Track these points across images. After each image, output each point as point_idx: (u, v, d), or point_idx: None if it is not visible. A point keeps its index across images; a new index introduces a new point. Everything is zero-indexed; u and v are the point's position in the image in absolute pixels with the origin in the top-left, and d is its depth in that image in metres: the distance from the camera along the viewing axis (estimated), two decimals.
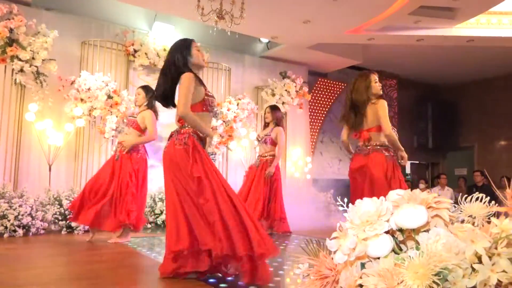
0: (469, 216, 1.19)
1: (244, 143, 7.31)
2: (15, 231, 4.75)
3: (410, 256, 1.00)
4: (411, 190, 1.23)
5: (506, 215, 1.12)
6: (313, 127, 8.86)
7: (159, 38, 6.60)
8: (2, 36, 5.08)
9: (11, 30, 5.15)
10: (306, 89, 7.94)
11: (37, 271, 3.12)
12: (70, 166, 5.90)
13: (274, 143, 5.73)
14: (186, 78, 2.93)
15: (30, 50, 5.26)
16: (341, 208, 1.31)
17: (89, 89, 5.64)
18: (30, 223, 4.85)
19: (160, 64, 6.51)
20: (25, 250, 4.11)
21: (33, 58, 5.29)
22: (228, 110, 6.86)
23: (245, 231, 2.67)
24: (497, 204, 1.18)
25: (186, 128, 3.03)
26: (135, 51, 6.36)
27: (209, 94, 3.12)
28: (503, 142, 10.07)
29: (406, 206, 1.09)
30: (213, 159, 5.70)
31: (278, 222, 5.69)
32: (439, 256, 0.95)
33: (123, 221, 4.44)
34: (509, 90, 10.00)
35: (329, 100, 9.20)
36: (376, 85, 3.87)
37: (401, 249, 1.11)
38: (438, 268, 0.94)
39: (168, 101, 3.18)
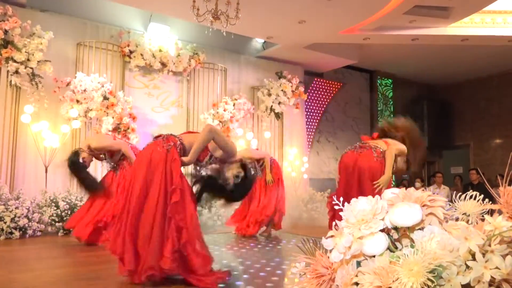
0: (463, 214, 1.20)
1: (240, 143, 7.32)
2: (11, 233, 4.74)
3: (405, 254, 1.01)
4: (407, 188, 1.24)
5: (500, 212, 1.13)
6: (309, 126, 8.88)
7: (155, 39, 6.60)
8: None
9: (5, 32, 5.14)
10: (302, 89, 7.96)
11: (35, 273, 3.12)
12: (67, 168, 5.87)
13: None
14: None
15: (25, 52, 5.25)
16: (337, 207, 1.32)
17: (84, 90, 5.63)
18: (26, 225, 4.84)
19: (156, 65, 6.52)
20: (22, 252, 4.10)
21: (28, 60, 5.28)
22: (225, 110, 6.87)
23: None
24: (490, 202, 1.19)
25: None
26: (131, 52, 6.35)
27: None
28: (498, 140, 10.13)
29: (401, 205, 1.10)
30: None
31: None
32: (433, 254, 0.96)
33: None
34: (503, 88, 10.06)
35: (325, 99, 9.22)
36: None
37: (396, 247, 1.12)
38: (433, 265, 0.95)
39: None
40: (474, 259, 0.95)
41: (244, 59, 7.89)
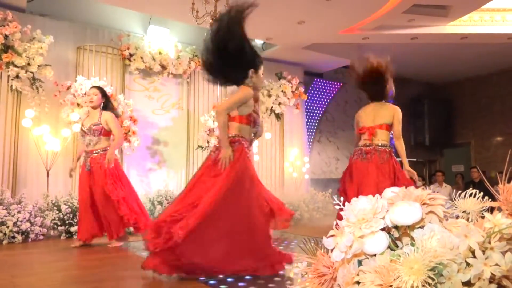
0: (463, 212, 1.21)
1: None
2: (14, 237, 4.75)
3: (405, 253, 1.02)
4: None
5: (499, 209, 1.14)
6: (309, 127, 8.88)
7: (154, 41, 6.62)
8: None
9: (6, 37, 5.16)
10: (302, 89, 7.97)
11: (38, 276, 3.13)
12: (68, 172, 5.89)
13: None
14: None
15: (26, 56, 5.27)
16: (337, 207, 1.32)
17: (85, 94, 5.63)
18: (29, 229, 4.85)
19: (156, 67, 6.53)
20: (25, 256, 4.11)
21: (28, 64, 5.30)
22: None
23: None
24: (490, 200, 1.20)
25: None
26: (131, 55, 6.37)
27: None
28: (499, 138, 10.12)
29: (401, 203, 1.11)
30: None
31: None
32: (433, 252, 0.97)
33: (120, 230, 4.45)
34: (503, 86, 10.06)
35: (325, 99, 9.23)
36: None
37: (397, 246, 1.13)
38: (433, 263, 0.96)
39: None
40: (474, 256, 0.96)
41: None
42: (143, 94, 6.70)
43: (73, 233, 5.13)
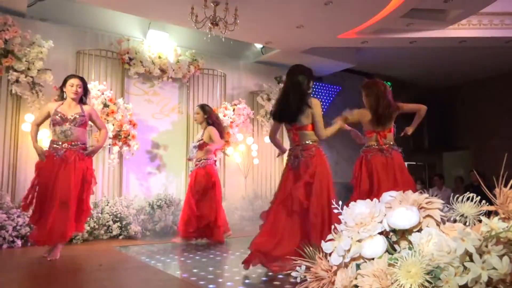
0: (461, 216, 1.21)
1: (241, 148, 7.34)
2: (13, 241, 4.74)
3: (403, 256, 1.03)
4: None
5: (496, 213, 1.14)
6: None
7: (154, 46, 6.63)
8: None
9: (6, 41, 5.17)
10: None
11: (38, 280, 3.13)
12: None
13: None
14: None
15: (26, 61, 5.28)
16: (336, 211, 1.33)
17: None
18: (28, 233, 4.84)
19: (155, 71, 6.55)
20: (25, 260, 4.10)
21: (28, 69, 5.31)
22: (225, 116, 6.89)
23: None
24: (488, 204, 1.21)
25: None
26: (130, 59, 6.38)
27: None
28: (498, 141, 10.12)
29: (398, 208, 1.11)
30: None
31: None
32: (430, 255, 0.98)
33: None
34: (502, 90, 10.07)
35: (324, 103, 9.24)
36: None
37: (395, 250, 1.14)
38: (430, 267, 0.97)
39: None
40: (471, 260, 0.96)
41: (243, 64, 7.92)
42: (142, 98, 6.71)
43: (73, 237, 5.09)
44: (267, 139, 7.71)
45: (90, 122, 4.49)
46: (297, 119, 3.60)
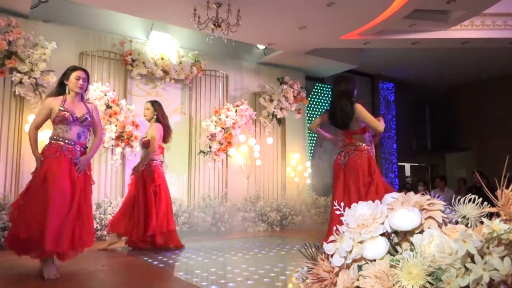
0: (462, 217, 1.21)
1: (243, 150, 7.35)
2: None
3: (404, 258, 1.03)
4: (409, 192, 1.26)
5: (498, 215, 1.15)
6: (311, 132, 8.89)
7: (157, 47, 6.65)
8: (1, 48, 5.13)
9: (9, 43, 5.20)
10: (303, 94, 7.98)
11: (42, 280, 3.14)
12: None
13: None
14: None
15: (29, 62, 5.31)
16: (338, 212, 1.33)
17: (87, 99, 5.67)
18: None
19: (158, 73, 6.55)
20: (27, 261, 4.11)
21: (31, 70, 5.34)
22: (227, 117, 6.90)
23: None
24: (490, 206, 1.21)
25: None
26: (133, 60, 6.40)
27: None
28: (501, 142, 10.10)
29: (400, 209, 1.12)
30: None
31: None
32: (432, 257, 0.98)
33: None
34: (504, 90, 10.05)
35: (327, 104, 9.24)
36: None
37: (396, 251, 1.14)
38: (432, 268, 0.97)
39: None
40: (473, 261, 0.96)
41: (246, 65, 7.93)
42: (145, 99, 6.69)
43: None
44: (269, 140, 7.72)
45: None
46: (349, 126, 4.01)
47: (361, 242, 1.14)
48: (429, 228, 1.11)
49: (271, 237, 6.27)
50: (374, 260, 1.12)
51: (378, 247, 1.11)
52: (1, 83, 5.47)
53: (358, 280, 1.12)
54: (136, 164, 5.02)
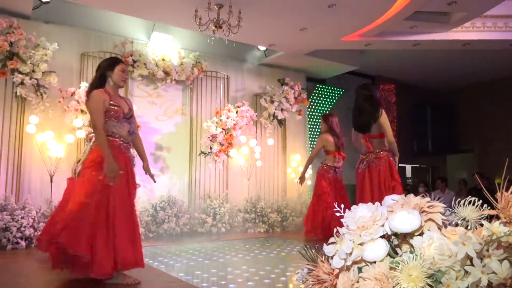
0: (462, 220, 1.22)
1: (244, 151, 7.35)
2: (17, 243, 4.77)
3: (404, 260, 1.03)
4: (410, 193, 1.26)
5: (498, 217, 1.15)
6: (312, 133, 8.89)
7: (158, 48, 6.66)
8: (3, 49, 5.14)
9: (11, 44, 5.21)
10: (304, 95, 7.98)
11: (43, 281, 3.14)
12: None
13: None
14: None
15: (30, 63, 5.31)
16: (338, 214, 1.34)
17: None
18: (32, 234, 4.87)
19: (159, 74, 6.55)
20: (28, 262, 4.12)
21: (33, 71, 5.34)
22: (228, 118, 6.91)
23: None
24: (489, 208, 1.21)
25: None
26: (134, 61, 6.40)
27: None
28: (502, 143, 10.09)
29: (400, 211, 1.12)
30: None
31: None
32: (432, 259, 0.98)
33: None
34: (505, 92, 10.05)
35: (328, 106, 9.25)
36: None
37: (396, 253, 1.14)
38: (431, 270, 0.97)
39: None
40: (472, 264, 0.97)
41: (247, 66, 7.93)
42: (146, 100, 6.73)
43: None
44: (270, 141, 7.72)
45: None
46: (370, 129, 4.24)
47: (361, 244, 1.14)
48: (429, 230, 1.11)
49: (272, 238, 6.27)
50: (374, 262, 1.13)
51: (378, 249, 1.11)
52: (2, 84, 5.48)
53: (358, 282, 1.12)
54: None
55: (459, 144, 11.11)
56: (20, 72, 5.28)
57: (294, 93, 7.71)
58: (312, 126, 8.92)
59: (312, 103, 8.84)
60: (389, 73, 10.09)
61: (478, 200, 1.21)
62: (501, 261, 0.94)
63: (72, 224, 2.92)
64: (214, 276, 3.45)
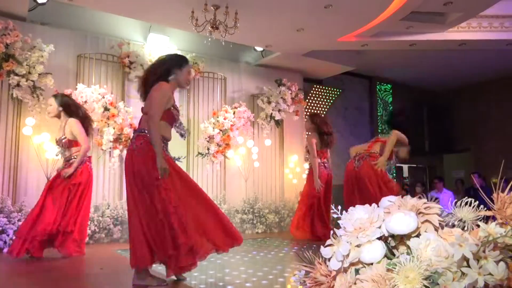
0: (459, 220, 1.22)
1: (241, 151, 7.35)
2: None
3: (401, 261, 1.03)
4: (408, 193, 1.27)
5: (494, 218, 1.15)
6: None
7: (154, 49, 6.65)
8: None
9: (7, 46, 5.19)
10: (301, 96, 7.99)
11: (40, 284, 3.13)
12: None
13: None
14: None
15: (26, 65, 5.30)
16: (335, 215, 1.34)
17: (85, 101, 5.67)
18: None
19: None
20: (26, 265, 4.10)
21: (29, 73, 5.33)
22: (225, 119, 6.90)
23: None
24: (486, 209, 1.21)
25: None
26: (131, 62, 6.39)
27: None
28: (498, 143, 10.14)
29: (397, 213, 1.12)
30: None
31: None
32: (428, 261, 0.98)
33: None
34: (501, 92, 10.09)
35: (324, 106, 9.26)
36: None
37: (393, 255, 1.14)
38: (428, 272, 0.97)
39: None
40: (469, 265, 0.97)
41: (243, 67, 7.93)
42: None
43: None
44: (267, 142, 7.72)
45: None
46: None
47: (358, 246, 1.14)
48: (425, 231, 1.11)
49: (270, 239, 6.27)
50: (371, 264, 1.13)
51: (375, 251, 1.11)
52: None
53: (355, 283, 1.12)
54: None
55: (456, 143, 11.15)
56: (16, 74, 5.26)
57: (291, 93, 7.73)
58: None
59: (309, 104, 8.85)
60: (385, 73, 10.12)
61: (475, 201, 1.22)
62: (497, 262, 0.94)
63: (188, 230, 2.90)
64: (212, 278, 3.45)
